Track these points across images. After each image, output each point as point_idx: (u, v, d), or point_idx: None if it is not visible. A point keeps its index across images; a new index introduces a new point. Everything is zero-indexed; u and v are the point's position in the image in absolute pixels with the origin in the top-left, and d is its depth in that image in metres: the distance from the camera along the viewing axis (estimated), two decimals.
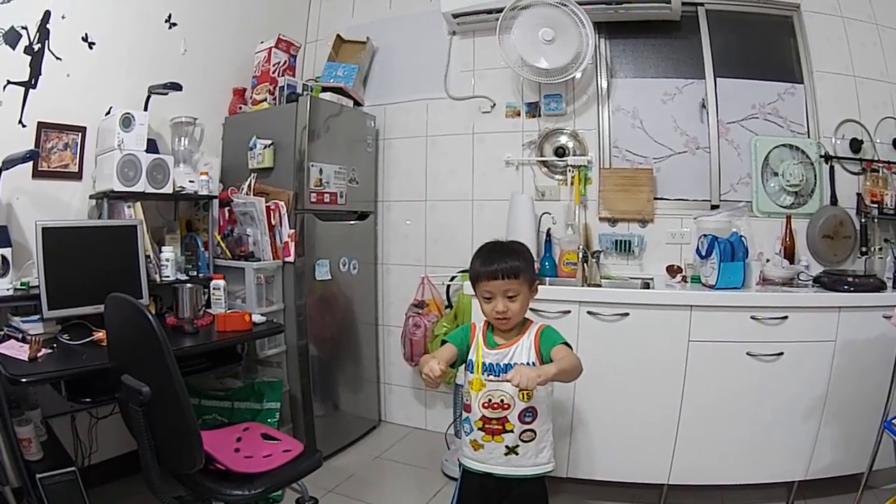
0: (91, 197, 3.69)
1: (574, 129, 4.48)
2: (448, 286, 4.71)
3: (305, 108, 4.13)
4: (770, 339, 3.41)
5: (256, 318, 3.73)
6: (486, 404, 2.50)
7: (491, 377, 2.51)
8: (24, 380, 2.59)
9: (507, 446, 2.51)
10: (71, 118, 3.61)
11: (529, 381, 2.17)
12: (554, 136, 4.53)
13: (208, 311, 3.83)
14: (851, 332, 3.39)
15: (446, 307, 4.69)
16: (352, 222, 4.71)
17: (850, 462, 3.50)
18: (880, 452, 3.15)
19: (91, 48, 3.72)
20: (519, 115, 4.64)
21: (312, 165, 4.16)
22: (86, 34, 3.69)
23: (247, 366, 4.03)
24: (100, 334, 3.11)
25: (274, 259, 4.16)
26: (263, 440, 3.04)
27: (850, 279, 3.54)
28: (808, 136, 4.16)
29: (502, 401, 2.48)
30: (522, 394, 2.44)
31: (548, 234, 4.40)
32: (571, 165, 4.43)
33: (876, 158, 4.03)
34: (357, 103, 4.88)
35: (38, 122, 3.46)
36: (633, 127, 4.38)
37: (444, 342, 2.66)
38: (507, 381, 2.26)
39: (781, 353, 3.41)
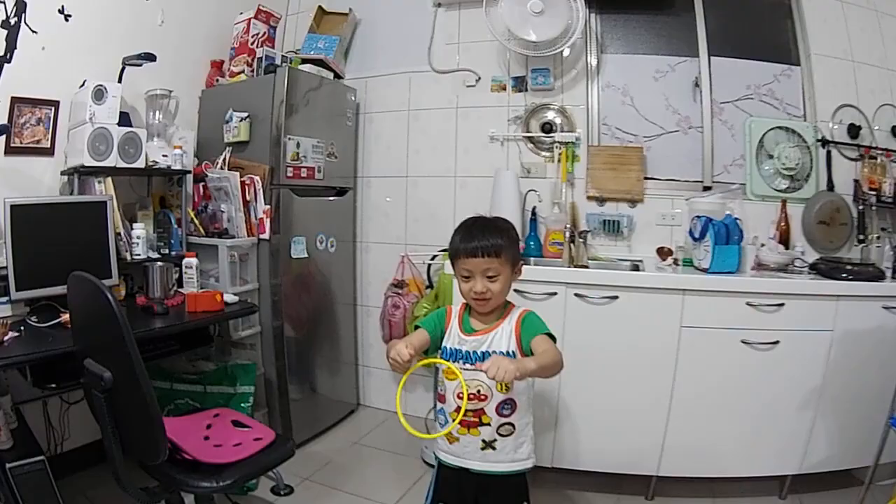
0: (62, 173, 3.55)
1: (562, 105, 4.33)
2: (429, 265, 4.59)
3: (283, 80, 3.97)
4: (766, 326, 3.30)
5: (229, 297, 3.62)
6: (461, 395, 2.27)
7: (467, 366, 2.35)
8: None
9: (483, 440, 2.37)
10: (45, 92, 3.48)
11: (507, 374, 2.04)
12: (541, 112, 4.38)
13: (180, 290, 3.70)
14: (849, 322, 3.28)
15: (427, 287, 4.58)
16: (330, 198, 4.56)
17: (846, 457, 3.46)
18: (871, 449, 3.05)
19: (67, 20, 3.57)
20: (505, 89, 4.49)
21: (290, 139, 4.01)
22: (62, 6, 3.54)
23: (220, 348, 3.91)
24: (67, 316, 2.97)
25: (248, 236, 4.03)
26: (234, 427, 2.94)
27: (848, 267, 3.43)
28: (805, 120, 4.04)
29: (479, 391, 2.32)
30: (500, 384, 2.28)
31: (533, 213, 4.29)
32: (559, 142, 4.30)
33: (874, 145, 3.93)
34: (337, 76, 4.71)
35: (11, 97, 3.33)
36: (623, 104, 4.24)
37: (416, 327, 2.48)
38: (483, 370, 2.10)
39: (777, 342, 3.30)
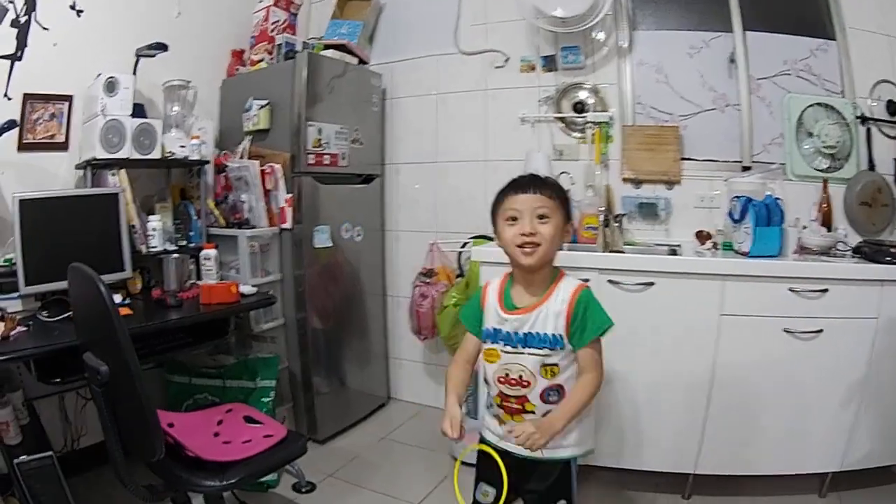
0: (77, 167, 3.51)
1: (594, 84, 4.15)
2: (459, 253, 4.46)
3: (303, 66, 3.87)
4: (809, 314, 3.11)
5: (245, 288, 3.54)
6: (502, 379, 2.18)
7: (508, 348, 2.17)
8: None
9: None
10: (58, 88, 3.45)
11: (536, 445, 1.95)
12: (572, 91, 4.21)
13: (197, 282, 3.61)
14: (894, 308, 3.07)
15: (457, 276, 4.44)
16: (356, 186, 4.45)
17: (888, 452, 3.28)
18: None
19: (79, 16, 3.54)
20: (534, 69, 4.32)
21: (311, 125, 3.90)
22: (73, 2, 3.50)
23: (240, 341, 3.85)
24: None
25: (270, 226, 3.94)
26: (245, 423, 2.86)
27: (891, 250, 3.20)
28: (843, 96, 3.82)
29: (521, 377, 2.15)
30: (545, 369, 2.12)
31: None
32: (591, 122, 4.12)
33: None
34: (362, 61, 4.60)
35: (24, 94, 3.30)
36: (657, 82, 4.04)
37: (460, 322, 2.36)
38: (513, 437, 2.01)
39: (820, 331, 3.11)
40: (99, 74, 3.37)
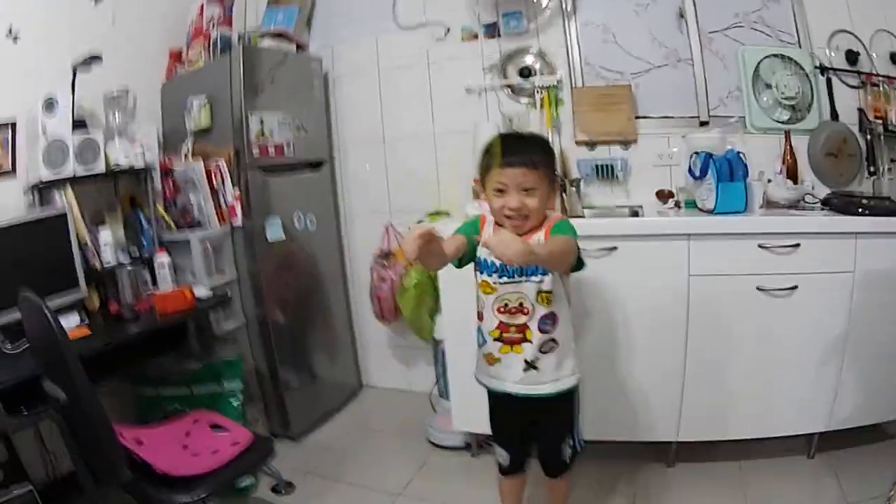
0: (25, 192, 3.40)
1: (540, 48, 4.08)
2: None
3: (238, 59, 3.78)
4: (781, 270, 3.06)
5: (200, 291, 3.52)
6: (502, 309, 2.33)
7: (504, 279, 2.32)
8: None
9: (525, 360, 2.35)
10: (1, 115, 3.33)
11: (515, 254, 1.89)
12: (517, 57, 4.14)
13: (155, 290, 3.56)
14: (871, 261, 3.01)
15: None
16: (305, 173, 4.37)
17: (875, 410, 3.25)
18: None
19: (16, 42, 3.42)
20: (476, 37, 4.23)
21: (251, 115, 3.81)
22: (10, 28, 3.39)
23: (203, 345, 3.72)
24: None
25: (220, 224, 3.85)
26: (212, 432, 2.92)
27: (863, 201, 3.15)
28: (800, 47, 3.76)
29: (521, 305, 2.31)
30: (541, 296, 2.28)
31: None
32: (539, 87, 4.05)
33: (875, 72, 3.65)
34: (301, 47, 4.51)
35: None
36: (604, 42, 3.96)
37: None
38: (488, 248, 2.01)
39: (795, 287, 3.06)
40: (42, 95, 3.31)
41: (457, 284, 3.13)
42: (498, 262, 2.26)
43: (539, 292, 2.27)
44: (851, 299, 3.05)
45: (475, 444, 3.79)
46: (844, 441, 3.34)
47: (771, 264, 3.05)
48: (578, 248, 2.29)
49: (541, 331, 2.31)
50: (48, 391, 2.28)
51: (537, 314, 2.30)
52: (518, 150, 2.26)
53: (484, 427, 2.87)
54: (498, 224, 2.37)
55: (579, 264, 2.33)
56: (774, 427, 3.29)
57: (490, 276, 2.34)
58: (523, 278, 2.28)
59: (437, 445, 3.92)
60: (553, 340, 2.34)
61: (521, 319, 2.30)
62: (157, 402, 3.62)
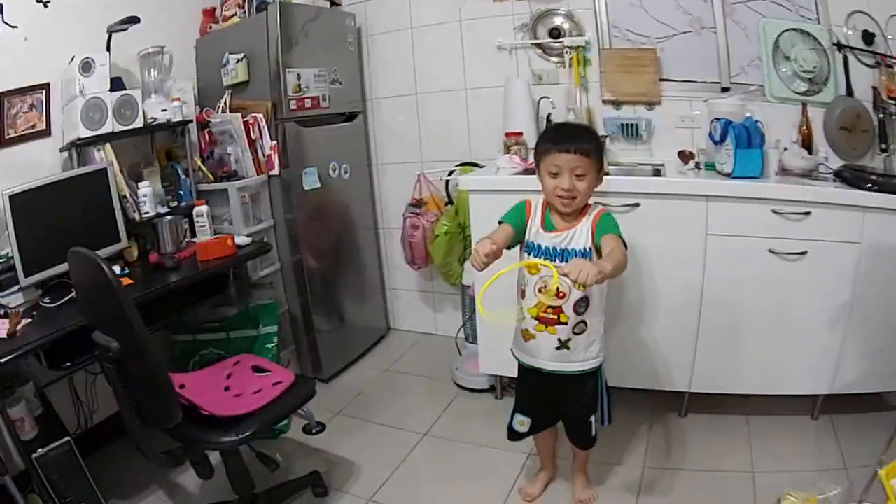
0: (61, 150, 3.50)
1: (569, 10, 4.12)
2: (447, 181, 4.51)
3: (276, 16, 3.85)
4: (792, 235, 3.16)
5: (241, 239, 3.65)
6: (542, 289, 2.49)
7: (547, 261, 2.49)
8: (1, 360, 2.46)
9: (559, 339, 2.55)
10: (34, 78, 3.41)
11: (589, 276, 2.11)
12: (547, 18, 4.18)
13: (193, 240, 3.70)
14: (877, 235, 3.09)
15: (446, 204, 4.51)
16: (339, 125, 4.47)
17: (878, 379, 3.34)
18: None
19: (46, 7, 3.47)
20: None
21: (289, 72, 3.91)
22: None
23: (240, 291, 3.89)
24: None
25: (258, 174, 3.98)
26: (254, 374, 2.94)
27: (872, 177, 3.20)
28: (819, 23, 3.77)
29: (558, 289, 2.46)
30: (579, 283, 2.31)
31: (548, 120, 4.14)
32: (568, 47, 4.11)
33: (889, 54, 3.66)
34: (334, 3, 4.57)
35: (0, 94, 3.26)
36: (631, 6, 4.00)
37: (500, 222, 2.61)
38: (565, 273, 2.17)
39: (805, 252, 3.16)
40: (73, 57, 3.38)
41: (489, 230, 3.26)
42: (545, 246, 2.51)
43: (578, 284, 2.35)
44: (858, 269, 3.13)
45: (500, 387, 3.96)
46: (847, 406, 3.44)
47: (783, 229, 3.15)
48: (618, 226, 2.52)
49: (575, 312, 2.51)
50: (99, 342, 2.32)
51: (573, 297, 2.49)
52: (574, 138, 2.45)
53: (509, 370, 3.09)
54: (547, 203, 2.57)
55: (621, 233, 2.51)
56: (780, 385, 3.43)
57: (538, 256, 2.54)
58: (564, 263, 2.42)
59: (462, 388, 4.09)
60: (584, 322, 2.54)
61: (558, 302, 2.49)
62: (193, 348, 3.74)
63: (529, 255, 2.58)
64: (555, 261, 2.48)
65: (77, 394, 3.47)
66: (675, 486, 3.09)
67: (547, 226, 2.55)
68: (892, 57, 3.61)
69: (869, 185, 3.12)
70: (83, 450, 2.87)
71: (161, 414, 2.39)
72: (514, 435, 2.88)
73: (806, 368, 3.35)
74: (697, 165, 3.65)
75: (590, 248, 2.48)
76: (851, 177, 3.25)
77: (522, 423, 2.83)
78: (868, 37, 3.64)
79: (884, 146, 3.58)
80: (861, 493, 2.47)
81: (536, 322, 2.57)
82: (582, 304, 2.52)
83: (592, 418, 2.75)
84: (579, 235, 2.49)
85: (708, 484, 3.08)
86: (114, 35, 3.58)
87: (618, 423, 3.10)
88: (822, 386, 3.37)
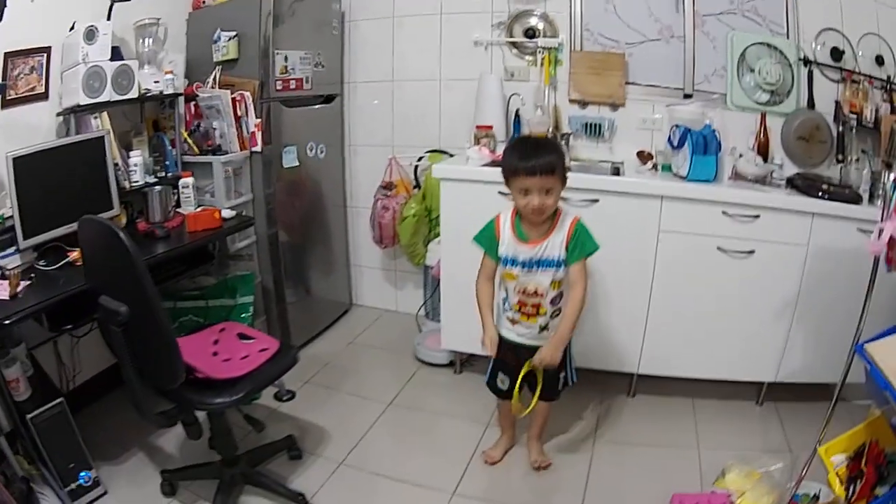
0: (58, 114, 3.53)
1: (545, 11, 4.32)
2: (416, 167, 4.71)
3: None
4: (741, 236, 3.43)
5: (226, 212, 3.77)
6: (521, 290, 2.87)
7: (525, 270, 2.84)
8: (6, 322, 2.53)
9: (540, 325, 2.92)
10: (36, 41, 3.42)
11: (554, 360, 2.85)
12: (524, 18, 4.38)
13: (178, 210, 3.79)
14: (824, 240, 3.35)
15: (414, 188, 4.71)
16: (318, 106, 4.61)
17: (821, 370, 3.55)
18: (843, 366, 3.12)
19: None
20: None
21: (277, 53, 4.04)
22: None
23: (219, 261, 3.99)
24: (74, 254, 3.08)
25: (241, 150, 4.09)
26: (240, 340, 3.05)
27: (824, 186, 3.46)
28: (788, 38, 3.99)
29: (536, 290, 2.84)
30: (553, 283, 2.84)
31: (517, 115, 4.36)
32: (542, 47, 4.32)
33: (857, 70, 3.88)
34: None
35: (4, 54, 3.26)
36: (605, 11, 4.20)
37: (475, 240, 2.97)
38: (535, 364, 2.89)
39: (752, 251, 3.44)
40: (74, 23, 3.42)
41: (457, 216, 3.65)
42: (521, 259, 2.83)
43: (552, 281, 2.83)
44: (803, 269, 3.41)
45: (458, 362, 4.18)
46: (792, 394, 3.70)
47: (732, 229, 3.42)
48: (592, 239, 2.83)
49: (552, 304, 2.90)
50: (108, 306, 2.37)
51: (549, 295, 2.87)
52: (539, 157, 2.66)
53: (469, 346, 3.63)
54: (517, 214, 2.86)
55: (594, 248, 2.83)
56: (725, 371, 3.71)
57: (514, 267, 2.85)
58: (540, 269, 2.82)
59: (423, 362, 4.29)
60: (559, 309, 2.93)
61: (536, 300, 2.87)
62: (174, 315, 3.76)
63: (506, 266, 2.88)
64: (532, 269, 2.82)
65: (61, 356, 3.53)
66: (624, 459, 3.33)
67: (520, 235, 2.84)
68: (858, 73, 3.83)
69: (821, 193, 3.39)
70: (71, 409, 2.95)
71: (167, 374, 2.49)
72: (497, 391, 3.19)
73: (752, 357, 3.63)
74: (655, 167, 3.91)
75: (563, 259, 2.80)
76: (803, 185, 3.52)
77: (503, 381, 3.13)
78: (837, 54, 3.86)
79: (840, 157, 3.80)
80: (802, 468, 2.70)
81: (520, 314, 2.93)
82: (557, 299, 2.91)
83: (561, 375, 3.10)
84: (553, 247, 2.79)
85: (655, 457, 3.32)
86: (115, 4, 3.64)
87: (570, 401, 3.37)
88: (768, 374, 3.65)
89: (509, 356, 3.04)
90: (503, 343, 3.02)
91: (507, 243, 2.85)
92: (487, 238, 2.92)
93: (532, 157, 2.66)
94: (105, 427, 3.50)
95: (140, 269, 2.30)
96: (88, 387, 3.73)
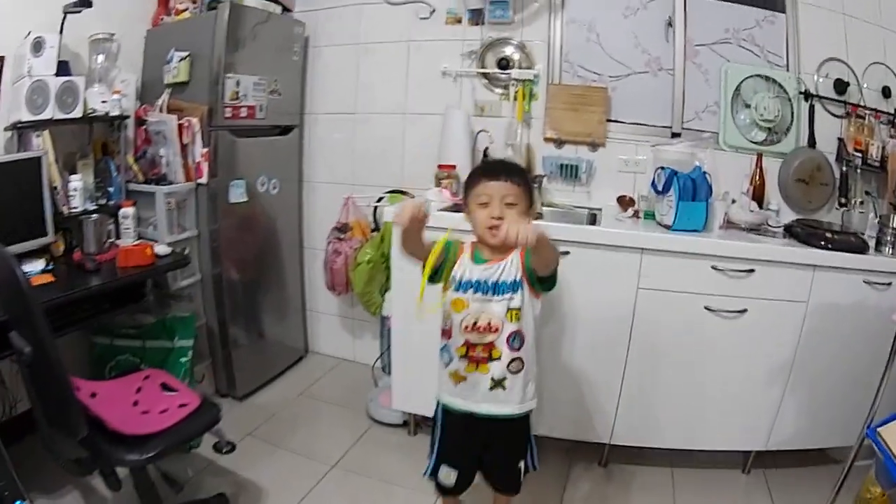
0: (6, 129, 3.35)
1: (521, 40, 4.09)
2: (375, 208, 4.41)
3: (224, 16, 3.73)
4: (733, 293, 3.14)
5: (161, 249, 3.55)
6: (469, 327, 2.38)
7: (478, 295, 2.38)
8: None
9: (492, 378, 2.40)
10: None
11: (529, 234, 2.02)
12: (498, 47, 4.14)
13: (117, 242, 3.58)
14: (825, 294, 3.09)
15: (372, 230, 4.41)
16: (273, 138, 4.36)
17: (816, 435, 3.36)
18: (843, 430, 2.89)
19: None
20: (460, 21, 4.22)
21: (228, 77, 3.79)
22: None
23: (159, 300, 3.75)
24: None
25: (186, 181, 3.86)
26: (162, 391, 2.91)
27: (827, 234, 3.19)
28: (787, 70, 3.79)
29: (489, 323, 2.36)
30: (510, 313, 2.36)
31: (485, 154, 4.10)
32: (516, 79, 4.08)
33: (862, 104, 3.68)
34: (286, 9, 4.45)
35: None
36: (587, 41, 3.98)
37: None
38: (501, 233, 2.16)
39: (745, 311, 3.15)
40: (29, 32, 3.26)
41: (410, 266, 3.18)
42: (475, 279, 2.38)
43: (509, 309, 2.36)
44: (801, 328, 3.13)
45: (413, 423, 3.86)
46: (782, 460, 3.46)
47: (722, 286, 3.13)
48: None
49: (510, 347, 2.38)
50: (14, 343, 2.28)
51: (505, 331, 2.37)
52: (501, 168, 2.43)
53: (422, 408, 3.13)
54: (478, 242, 2.47)
55: (553, 281, 2.43)
56: (709, 441, 3.42)
57: (465, 292, 2.40)
58: (496, 296, 2.37)
59: (375, 421, 3.99)
60: (520, 360, 2.40)
61: (489, 338, 2.37)
62: (111, 352, 3.62)
63: (456, 291, 2.45)
64: (487, 294, 2.38)
65: (4, 381, 3.41)
66: None
67: (476, 259, 2.44)
68: (864, 107, 3.64)
69: (823, 242, 3.12)
70: (5, 439, 2.72)
71: (65, 425, 2.36)
72: (441, 488, 2.69)
73: (739, 425, 3.36)
74: (636, 214, 3.65)
75: (520, 279, 2.38)
76: (803, 233, 3.26)
77: (448, 475, 2.61)
78: (841, 86, 3.67)
79: (843, 200, 3.59)
80: None
81: (467, 362, 2.41)
82: (516, 339, 2.39)
83: (521, 464, 2.62)
84: (510, 267, 2.38)
85: None
86: (68, 16, 3.44)
87: (535, 472, 3.05)
88: (757, 443, 3.38)
89: (456, 435, 2.58)
90: (448, 418, 2.58)
91: (464, 266, 2.43)
92: (450, 245, 2.48)
93: (495, 166, 2.55)
94: (44, 459, 3.18)
95: (34, 311, 2.18)
96: (30, 415, 3.45)
